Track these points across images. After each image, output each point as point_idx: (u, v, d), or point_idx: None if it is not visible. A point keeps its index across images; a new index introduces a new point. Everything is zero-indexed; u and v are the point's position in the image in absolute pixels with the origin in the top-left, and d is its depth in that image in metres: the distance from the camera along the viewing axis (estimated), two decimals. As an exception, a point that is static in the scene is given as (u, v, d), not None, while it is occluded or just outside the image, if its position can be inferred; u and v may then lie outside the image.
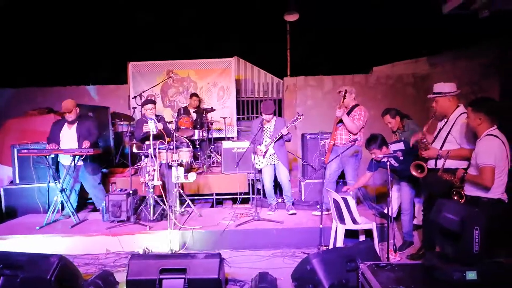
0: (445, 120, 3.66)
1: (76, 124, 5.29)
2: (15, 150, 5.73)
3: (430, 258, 2.57)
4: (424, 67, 8.27)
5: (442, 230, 2.54)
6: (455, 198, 3.20)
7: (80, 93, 8.41)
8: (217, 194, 6.19)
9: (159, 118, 5.61)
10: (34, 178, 5.69)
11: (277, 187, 5.36)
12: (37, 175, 5.72)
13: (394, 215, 4.78)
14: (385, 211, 4.98)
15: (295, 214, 5.15)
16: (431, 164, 3.68)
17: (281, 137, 5.00)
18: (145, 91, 6.98)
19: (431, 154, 3.62)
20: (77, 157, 5.00)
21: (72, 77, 8.93)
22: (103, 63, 9.37)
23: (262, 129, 5.17)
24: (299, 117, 4.85)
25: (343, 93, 4.73)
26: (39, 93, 8.29)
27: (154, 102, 5.55)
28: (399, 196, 4.54)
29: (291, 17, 8.34)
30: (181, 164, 5.06)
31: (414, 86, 8.15)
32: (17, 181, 5.84)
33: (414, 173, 3.63)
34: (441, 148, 3.56)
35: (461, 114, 3.53)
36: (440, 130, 3.70)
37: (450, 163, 3.44)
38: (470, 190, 3.15)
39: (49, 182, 5.61)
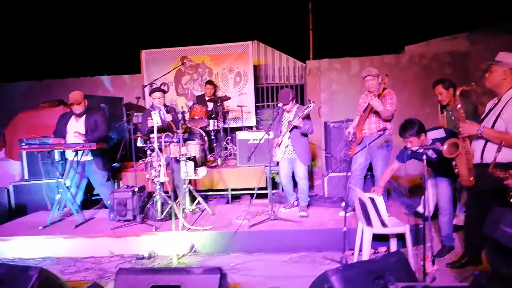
0: (496, 100, 3.00)
1: (84, 116, 4.97)
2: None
3: (481, 279, 1.99)
4: (463, 44, 7.39)
5: (498, 246, 1.95)
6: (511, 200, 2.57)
7: (94, 84, 8.16)
8: (233, 189, 5.74)
9: (169, 109, 5.19)
10: (43, 173, 5.45)
11: (297, 184, 4.83)
12: (45, 171, 5.44)
13: (430, 215, 4.15)
14: (419, 209, 4.38)
15: (305, 216, 4.49)
16: (476, 158, 3.05)
17: (295, 128, 4.43)
18: (156, 79, 6.57)
19: (470, 130, 2.96)
20: (80, 152, 4.67)
21: (87, 67, 8.67)
22: (117, 53, 9.05)
23: (280, 118, 4.64)
24: (309, 105, 4.26)
25: (383, 80, 4.05)
26: (53, 85, 8.08)
27: (162, 90, 5.14)
28: (435, 193, 3.90)
29: (313, -5, 7.66)
30: (190, 158, 4.62)
31: (452, 66, 7.31)
32: (26, 177, 5.65)
33: (447, 154, 3.00)
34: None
35: (517, 94, 2.87)
36: (489, 111, 3.05)
37: (502, 156, 2.80)
38: None
39: (57, 178, 5.35)
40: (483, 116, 3.11)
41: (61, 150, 5.04)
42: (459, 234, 3.93)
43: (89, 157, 4.94)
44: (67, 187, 4.68)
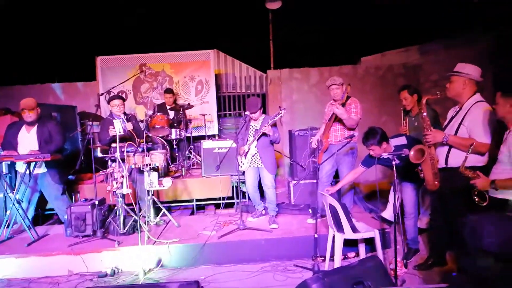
0: (458, 108, 3.18)
1: (36, 126, 4.61)
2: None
3: (461, 283, 2.06)
4: (415, 56, 7.82)
5: (481, 252, 2.02)
6: (476, 199, 2.70)
7: (45, 92, 7.64)
8: (197, 200, 5.60)
9: (129, 117, 4.97)
10: (-12, 188, 4.98)
11: (263, 191, 4.81)
12: (-9, 185, 5.02)
13: (393, 219, 4.29)
14: (384, 214, 4.52)
15: (276, 228, 4.41)
16: (441, 163, 3.19)
17: (262, 136, 4.40)
18: (114, 87, 6.31)
19: (436, 138, 3.09)
20: (32, 164, 4.33)
21: (36, 74, 8.11)
22: (70, 59, 8.56)
23: (247, 126, 4.60)
24: (280, 112, 4.28)
25: (346, 89, 4.14)
26: (-3, 92, 7.49)
27: (121, 98, 4.90)
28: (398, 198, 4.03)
29: (274, 5, 7.74)
30: (154, 169, 4.45)
31: (405, 77, 7.69)
32: (-32, 192, 5.13)
33: (414, 159, 3.13)
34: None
35: (476, 102, 3.05)
36: (451, 119, 3.22)
37: (471, 160, 2.94)
38: (497, 192, 2.64)
39: (5, 193, 4.91)
40: (445, 123, 3.27)
41: (9, 162, 4.66)
42: (423, 237, 4.08)
43: (42, 169, 4.60)
44: (18, 202, 4.30)
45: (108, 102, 4.88)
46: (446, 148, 3.13)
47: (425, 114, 3.15)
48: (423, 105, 3.17)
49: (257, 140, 4.44)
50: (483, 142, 2.92)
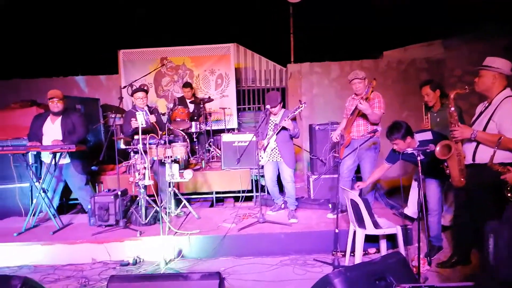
0: (487, 103, 3.08)
1: (60, 118, 4.72)
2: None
3: (487, 283, 2.01)
4: (438, 51, 7.63)
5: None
6: (509, 195, 2.62)
7: (68, 85, 7.81)
8: (217, 192, 5.64)
9: (152, 109, 5.03)
10: (15, 177, 5.13)
11: (282, 186, 4.81)
12: (18, 174, 5.13)
13: (415, 216, 4.22)
14: (405, 211, 4.45)
15: (295, 222, 4.39)
16: (468, 159, 3.11)
17: (282, 130, 4.38)
18: (136, 80, 6.40)
19: (464, 134, 3.02)
20: (57, 155, 4.43)
21: (60, 67, 8.29)
22: (93, 52, 8.71)
23: (267, 120, 4.59)
24: (301, 106, 4.24)
25: (371, 83, 4.06)
26: (23, 85, 7.68)
27: (145, 91, 4.95)
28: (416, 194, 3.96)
29: (294, -1, 7.68)
30: (175, 161, 4.49)
31: (428, 71, 7.51)
32: (-4, 181, 5.30)
33: (440, 155, 3.06)
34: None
35: (507, 97, 2.95)
36: (480, 114, 3.12)
37: (497, 157, 2.86)
38: None
39: (32, 182, 5.06)
40: (474, 119, 3.19)
41: (35, 153, 4.78)
42: (446, 234, 4.01)
43: (67, 160, 4.70)
44: (44, 191, 4.42)
45: (132, 94, 4.95)
46: (473, 144, 3.04)
47: (453, 109, 3.07)
48: (451, 100, 3.08)
49: (276, 134, 4.43)
50: None
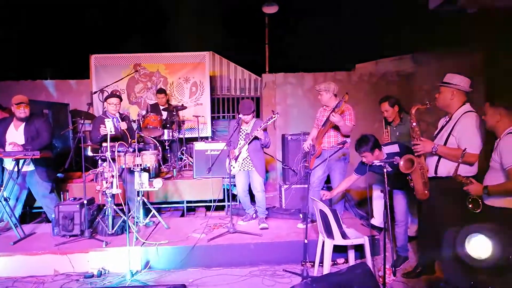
0: (448, 118, 3.20)
1: (24, 123, 4.55)
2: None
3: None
4: (409, 65, 7.88)
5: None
6: (470, 206, 2.72)
7: (37, 88, 7.58)
8: (188, 202, 5.57)
9: (123, 116, 4.93)
10: (-25, 184, 4.90)
11: (253, 195, 4.80)
12: (-22, 182, 4.94)
13: (382, 225, 4.30)
14: (373, 221, 4.53)
15: (266, 229, 4.45)
16: (431, 172, 3.21)
17: (254, 139, 4.40)
18: (108, 86, 6.27)
19: (426, 148, 3.11)
20: (21, 161, 4.27)
21: (28, 70, 8.02)
22: (63, 56, 8.48)
23: (239, 130, 4.58)
24: (273, 116, 4.27)
25: (344, 98, 4.11)
26: (-13, 88, 7.39)
27: (119, 97, 4.86)
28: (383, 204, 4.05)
29: (270, 9, 7.77)
30: (145, 169, 4.41)
31: (399, 85, 7.76)
32: (-46, 189, 5.03)
33: (403, 169, 3.14)
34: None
35: (466, 112, 3.07)
36: (441, 128, 3.24)
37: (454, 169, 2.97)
38: (493, 201, 2.66)
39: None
40: (436, 132, 3.30)
41: (-2, 159, 4.59)
42: (412, 245, 4.10)
43: (30, 167, 4.52)
44: (5, 199, 4.23)
45: (105, 100, 4.84)
46: (435, 157, 3.15)
47: (414, 124, 3.17)
48: (412, 115, 3.19)
49: (248, 144, 4.43)
50: (472, 152, 2.94)
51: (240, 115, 4.46)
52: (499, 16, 6.82)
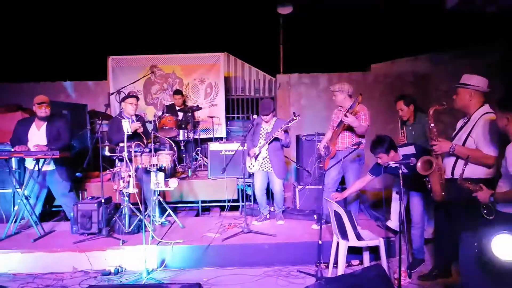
0: (466, 119, 3.16)
1: (46, 123, 4.67)
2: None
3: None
4: (425, 65, 7.79)
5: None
6: (485, 212, 2.68)
7: (56, 90, 7.75)
8: (203, 201, 5.62)
9: (138, 118, 5.02)
10: (-3, 183, 5.06)
11: (270, 195, 4.82)
12: (0, 180, 5.09)
13: (398, 228, 4.26)
14: (389, 223, 4.48)
15: (282, 224, 4.62)
16: (447, 173, 3.17)
17: (274, 140, 4.45)
18: (124, 87, 6.38)
19: (443, 148, 3.10)
20: (41, 161, 4.38)
21: (47, 72, 8.22)
22: (81, 58, 8.65)
23: (255, 131, 4.63)
24: (295, 118, 4.30)
25: (357, 99, 4.13)
26: (9, 89, 7.57)
27: (136, 97, 4.97)
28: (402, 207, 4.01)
29: (285, 10, 7.78)
30: (161, 169, 4.48)
31: (415, 85, 7.67)
32: (-23, 187, 5.20)
33: (421, 171, 3.12)
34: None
35: (485, 113, 3.02)
36: (459, 130, 3.20)
37: (471, 172, 2.93)
38: (503, 207, 2.62)
39: (14, 189, 4.98)
40: (454, 133, 3.25)
41: (18, 158, 4.73)
42: (428, 247, 4.05)
43: (51, 167, 4.63)
44: (26, 198, 4.36)
45: (122, 100, 4.95)
46: (453, 159, 3.11)
47: (432, 125, 3.14)
48: (430, 115, 3.16)
49: (268, 144, 4.47)
50: (489, 154, 2.89)
51: (255, 116, 4.51)
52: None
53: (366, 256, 3.77)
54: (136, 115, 4.96)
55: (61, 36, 8.47)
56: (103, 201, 4.39)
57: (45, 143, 4.57)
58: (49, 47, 8.60)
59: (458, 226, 3.00)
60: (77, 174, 5.61)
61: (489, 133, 2.93)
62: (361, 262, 3.86)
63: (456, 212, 3.10)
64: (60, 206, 5.28)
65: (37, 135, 4.63)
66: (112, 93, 6.63)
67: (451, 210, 3.20)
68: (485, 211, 2.63)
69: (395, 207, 4.59)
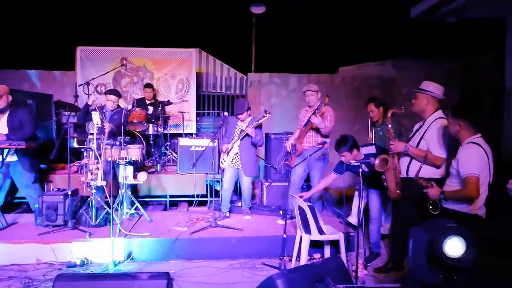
0: (422, 122, 3.42)
1: (7, 113, 4.54)
2: None
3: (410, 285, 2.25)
4: (390, 70, 8.16)
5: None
6: (430, 207, 2.94)
7: (20, 78, 7.50)
8: (171, 196, 5.66)
9: (115, 112, 5.02)
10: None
11: (238, 191, 4.95)
12: (-40, 171, 4.92)
13: (357, 224, 4.51)
14: (350, 219, 4.73)
15: (249, 219, 4.79)
16: (402, 172, 3.43)
17: (245, 137, 4.57)
18: (93, 78, 6.29)
19: (398, 148, 3.36)
20: (5, 151, 4.29)
21: (11, 59, 7.93)
22: (49, 47, 8.41)
23: (228, 127, 4.77)
24: (265, 115, 4.46)
25: (324, 100, 4.34)
26: (-30, 74, 7.29)
27: (119, 95, 5.03)
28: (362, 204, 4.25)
29: (258, 10, 7.92)
30: (130, 163, 4.49)
31: (380, 89, 8.01)
32: None
33: (378, 168, 3.36)
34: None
35: (437, 118, 3.29)
36: (415, 132, 3.46)
37: (424, 171, 3.18)
38: (447, 203, 2.90)
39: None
40: (410, 135, 3.51)
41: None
42: (385, 242, 4.31)
43: (14, 157, 4.53)
44: (-12, 188, 4.26)
45: (105, 94, 5.00)
46: (408, 158, 3.36)
47: (390, 126, 3.38)
48: (388, 117, 3.41)
49: (240, 139, 4.59)
50: (439, 155, 3.17)
51: (225, 113, 4.62)
52: (475, 27, 7.18)
53: (327, 250, 3.97)
54: (115, 109, 5.00)
55: (28, 24, 8.20)
56: (69, 193, 4.35)
57: (6, 132, 4.45)
58: (16, 33, 8.31)
59: (410, 221, 3.25)
60: (42, 165, 5.50)
61: (441, 137, 3.20)
62: (323, 256, 4.05)
63: (408, 208, 3.35)
64: (22, 198, 5.16)
65: (-1, 125, 4.51)
66: (81, 85, 6.51)
67: (404, 207, 3.45)
68: (430, 207, 2.90)
69: (356, 204, 4.84)
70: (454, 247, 2.14)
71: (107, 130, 4.61)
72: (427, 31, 7.61)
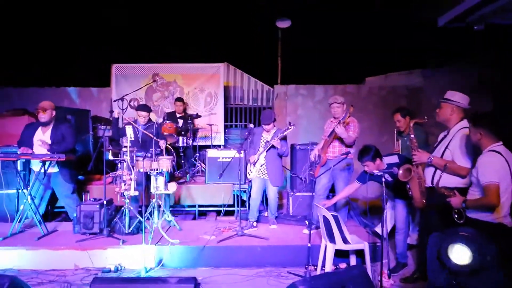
0: (446, 132, 3.42)
1: (51, 128, 4.90)
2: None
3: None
4: (417, 80, 8.08)
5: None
6: (456, 216, 2.92)
7: (60, 95, 8.01)
8: (200, 206, 5.84)
9: (147, 126, 5.28)
10: (3, 184, 5.26)
11: (265, 201, 5.05)
12: (5, 181, 5.28)
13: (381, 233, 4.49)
14: (377, 229, 4.71)
15: (275, 228, 4.88)
16: (428, 182, 3.42)
17: (271, 148, 4.70)
18: (127, 94, 6.63)
19: (422, 158, 3.36)
20: (47, 163, 4.61)
21: (52, 78, 8.49)
22: (86, 65, 8.94)
23: (253, 139, 4.93)
24: (290, 127, 4.57)
25: (349, 110, 4.41)
26: (15, 94, 7.86)
27: (149, 110, 5.30)
28: (392, 215, 4.25)
29: (283, 24, 8.10)
30: (161, 174, 4.71)
31: (407, 98, 7.95)
32: (-17, 187, 5.40)
33: (401, 177, 3.37)
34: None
35: (462, 128, 3.28)
36: (439, 142, 3.45)
37: (447, 181, 3.18)
38: (470, 212, 2.88)
39: (18, 189, 5.20)
40: (435, 145, 3.51)
41: (24, 160, 4.94)
42: (412, 252, 4.27)
43: (55, 169, 4.86)
44: (31, 198, 4.58)
45: (136, 109, 5.28)
46: (432, 168, 3.35)
47: (412, 136, 3.41)
48: (410, 127, 3.43)
49: (266, 151, 4.71)
50: (463, 165, 3.15)
51: (251, 125, 4.76)
52: (505, 34, 7.02)
53: (352, 259, 3.99)
54: (147, 123, 5.27)
55: (66, 43, 8.75)
56: (105, 202, 4.61)
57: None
58: (56, 53, 8.88)
59: (434, 230, 3.23)
60: (80, 177, 5.83)
61: (464, 147, 3.19)
62: (348, 265, 4.07)
63: (432, 217, 3.33)
64: (62, 207, 5.48)
65: (42, 138, 4.85)
66: (115, 100, 6.87)
67: (430, 217, 3.43)
68: (456, 216, 2.88)
69: (387, 215, 4.82)
70: (459, 254, 2.15)
71: (162, 146, 4.96)
72: (455, 39, 7.51)
